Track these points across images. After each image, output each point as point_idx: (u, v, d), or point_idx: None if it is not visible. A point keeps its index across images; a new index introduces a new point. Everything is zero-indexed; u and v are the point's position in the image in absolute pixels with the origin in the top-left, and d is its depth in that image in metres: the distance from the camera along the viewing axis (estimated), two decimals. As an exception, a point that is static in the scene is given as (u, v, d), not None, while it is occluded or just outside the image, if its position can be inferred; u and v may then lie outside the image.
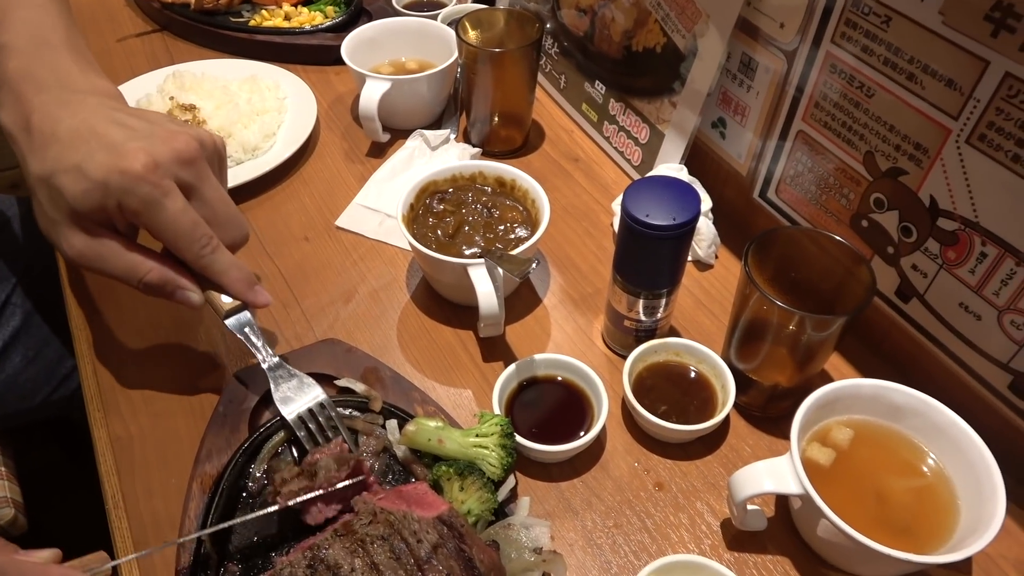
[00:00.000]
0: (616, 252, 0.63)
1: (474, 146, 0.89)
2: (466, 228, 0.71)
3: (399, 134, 0.91)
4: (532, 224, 0.71)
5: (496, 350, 0.69)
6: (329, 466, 0.53)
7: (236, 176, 0.82)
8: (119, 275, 0.56)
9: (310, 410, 0.59)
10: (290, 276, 0.76)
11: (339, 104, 0.98)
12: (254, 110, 0.89)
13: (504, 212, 0.73)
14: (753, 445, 0.62)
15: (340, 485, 0.53)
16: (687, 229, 0.57)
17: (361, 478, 0.54)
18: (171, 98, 0.89)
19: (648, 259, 0.60)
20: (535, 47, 0.82)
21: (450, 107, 0.96)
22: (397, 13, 1.08)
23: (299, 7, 1.10)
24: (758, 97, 0.72)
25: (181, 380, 0.66)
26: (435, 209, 0.73)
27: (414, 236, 0.68)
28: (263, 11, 1.08)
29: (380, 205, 0.82)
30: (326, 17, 1.08)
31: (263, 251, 0.78)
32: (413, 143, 0.89)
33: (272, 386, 0.59)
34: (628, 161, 0.87)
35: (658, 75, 0.80)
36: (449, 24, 1.03)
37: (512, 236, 0.71)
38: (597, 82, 0.89)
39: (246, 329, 0.60)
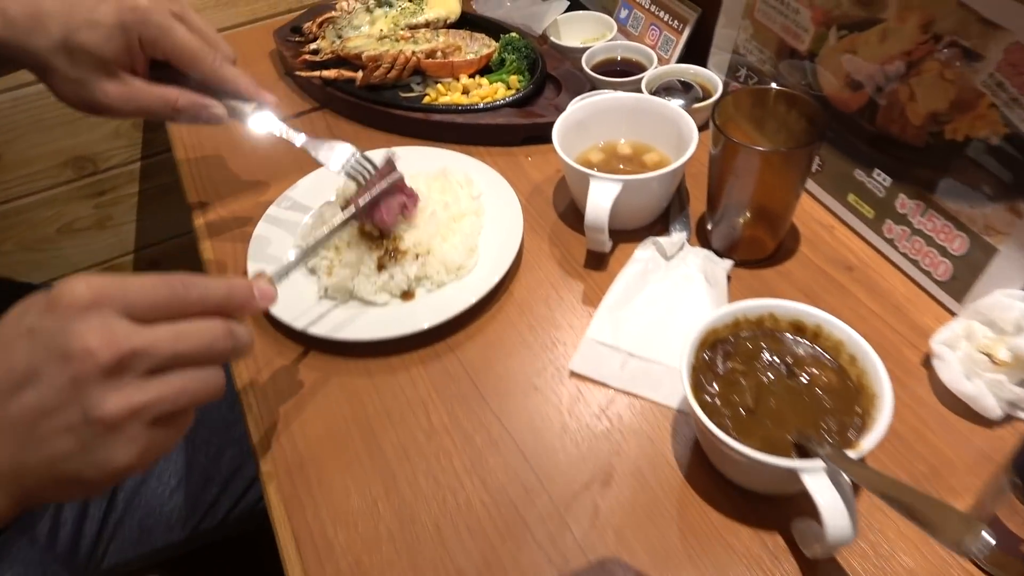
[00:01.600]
0: (1021, 455, 0.45)
1: (717, 253, 0.72)
2: (770, 398, 0.54)
3: (618, 236, 0.76)
4: (859, 391, 0.54)
5: (822, 572, 0.52)
6: (370, 168, 0.69)
7: (444, 305, 0.68)
8: (154, 108, 0.63)
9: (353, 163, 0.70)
10: (524, 443, 0.61)
11: (538, 196, 0.83)
12: (451, 216, 0.75)
13: (809, 368, 0.56)
14: None
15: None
16: None
17: (395, 170, 0.68)
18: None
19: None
20: (817, 143, 0.65)
21: (675, 203, 0.79)
22: (588, 77, 0.93)
23: (478, 77, 0.95)
24: None
25: (386, 538, 0.52)
26: (720, 369, 0.56)
27: (702, 408, 0.52)
28: (438, 85, 0.94)
29: (619, 341, 0.66)
30: (509, 88, 0.93)
31: (484, 404, 0.63)
32: (644, 254, 0.72)
33: (312, 154, 0.70)
34: (926, 274, 0.68)
35: (989, 173, 0.61)
36: (654, 92, 0.88)
37: (830, 407, 0.53)
38: (877, 171, 0.71)
39: (271, 121, 0.69)
